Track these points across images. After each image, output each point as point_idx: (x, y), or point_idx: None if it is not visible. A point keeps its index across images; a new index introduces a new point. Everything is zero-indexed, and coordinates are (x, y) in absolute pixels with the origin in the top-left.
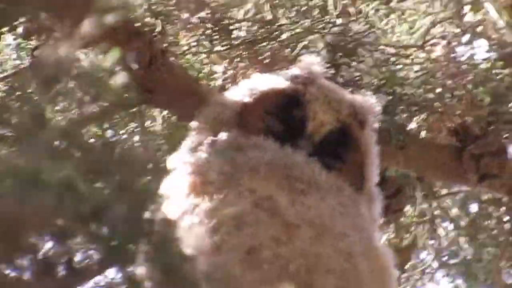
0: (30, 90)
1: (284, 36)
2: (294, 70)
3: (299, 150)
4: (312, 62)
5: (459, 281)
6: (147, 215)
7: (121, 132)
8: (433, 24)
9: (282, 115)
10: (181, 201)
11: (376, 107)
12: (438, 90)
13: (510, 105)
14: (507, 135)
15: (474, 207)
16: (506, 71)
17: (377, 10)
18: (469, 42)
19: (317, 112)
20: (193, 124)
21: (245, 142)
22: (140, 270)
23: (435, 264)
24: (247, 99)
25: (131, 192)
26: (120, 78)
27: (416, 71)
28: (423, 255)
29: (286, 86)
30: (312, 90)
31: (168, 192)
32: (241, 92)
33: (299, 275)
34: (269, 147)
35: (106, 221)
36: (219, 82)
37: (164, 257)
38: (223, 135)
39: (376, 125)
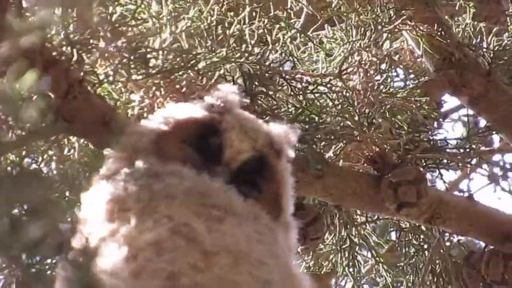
0: None
1: (200, 65)
2: (210, 99)
3: (216, 177)
4: (228, 91)
5: None
6: (65, 240)
7: (39, 160)
8: (351, 53)
9: (199, 143)
10: (98, 228)
11: (293, 137)
12: (356, 118)
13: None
14: (425, 163)
15: (393, 235)
16: (424, 99)
17: (294, 39)
18: (386, 71)
19: (233, 140)
20: (110, 152)
21: (161, 169)
22: None
23: None
24: (163, 128)
25: (49, 218)
26: (37, 105)
27: (334, 100)
28: (342, 282)
29: (202, 115)
30: (228, 118)
31: (86, 219)
32: (157, 120)
33: None
34: (186, 174)
35: (25, 247)
36: (136, 110)
37: (82, 281)
38: (139, 163)
39: (293, 154)
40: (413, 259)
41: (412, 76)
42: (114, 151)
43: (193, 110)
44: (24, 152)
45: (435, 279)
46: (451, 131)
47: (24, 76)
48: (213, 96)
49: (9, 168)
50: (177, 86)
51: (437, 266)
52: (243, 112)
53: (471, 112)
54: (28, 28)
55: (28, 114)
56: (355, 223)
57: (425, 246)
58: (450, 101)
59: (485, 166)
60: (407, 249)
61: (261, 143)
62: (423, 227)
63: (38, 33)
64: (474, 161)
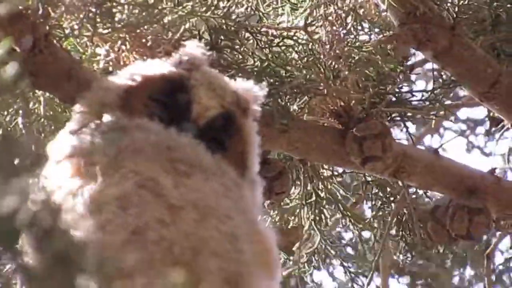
0: None
1: (166, 19)
2: (178, 56)
3: (184, 133)
4: (196, 48)
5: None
6: (31, 199)
7: (4, 114)
8: (316, 6)
9: (166, 99)
10: (64, 183)
11: (259, 95)
12: (322, 71)
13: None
14: (390, 117)
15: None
16: (389, 52)
17: None
18: (352, 25)
19: (201, 97)
20: (76, 107)
21: (128, 123)
22: (29, 259)
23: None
24: (130, 83)
25: (16, 177)
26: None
27: (300, 53)
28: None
29: (169, 71)
30: (196, 75)
31: (52, 175)
32: (124, 76)
33: (183, 257)
34: (153, 128)
35: None
36: (101, 64)
37: (52, 243)
38: (106, 117)
39: (258, 112)
40: (380, 213)
41: (377, 30)
42: (80, 106)
43: (161, 66)
44: None
45: (401, 233)
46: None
47: None
48: (181, 53)
49: None
50: (143, 40)
51: (403, 218)
52: (211, 70)
53: (436, 66)
54: None
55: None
56: (321, 177)
57: (392, 199)
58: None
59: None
60: (373, 202)
61: (228, 101)
62: (389, 180)
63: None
64: (439, 114)
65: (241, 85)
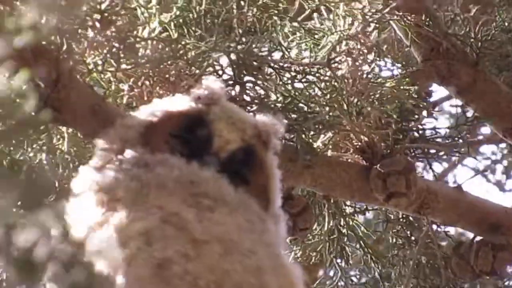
0: None
1: (189, 55)
2: (196, 92)
3: (206, 167)
4: (214, 83)
5: None
6: (55, 234)
7: (28, 150)
8: (339, 42)
9: (186, 135)
10: (88, 216)
11: (280, 128)
12: (345, 107)
13: (416, 123)
14: (414, 153)
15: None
16: (412, 88)
17: (282, 28)
18: (374, 60)
19: (222, 130)
20: (99, 143)
21: (151, 159)
22: None
23: (342, 283)
24: (150, 120)
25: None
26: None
27: (322, 89)
28: (331, 273)
29: (188, 107)
30: (215, 110)
31: (74, 209)
32: (144, 114)
33: None
34: (175, 163)
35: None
36: (125, 100)
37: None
38: (129, 153)
39: (280, 146)
40: (401, 251)
41: (399, 65)
42: (102, 142)
43: (179, 103)
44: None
45: (424, 270)
46: (440, 121)
47: (17, 75)
48: (199, 88)
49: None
50: (166, 76)
51: (425, 257)
52: (230, 104)
53: (459, 102)
54: (20, 27)
55: (21, 109)
56: (344, 213)
57: (412, 238)
58: (439, 91)
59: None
60: (394, 240)
61: (249, 134)
62: (411, 218)
63: (31, 33)
64: (462, 151)
65: (260, 118)
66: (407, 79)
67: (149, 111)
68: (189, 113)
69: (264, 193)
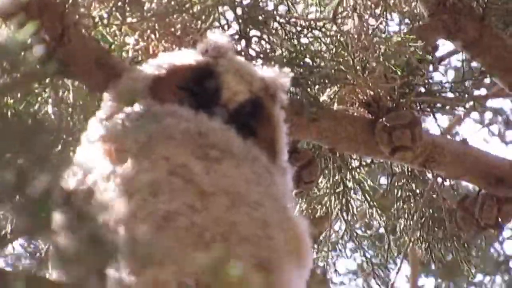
0: None
1: (195, 9)
2: (203, 45)
3: (214, 118)
4: (220, 37)
5: (371, 252)
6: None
7: (33, 103)
8: None
9: (195, 87)
10: (96, 166)
11: (286, 82)
12: (350, 62)
13: (422, 77)
14: (419, 107)
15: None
16: (418, 43)
17: None
18: (381, 15)
19: (230, 82)
20: (106, 95)
21: (160, 110)
22: (62, 240)
23: (347, 237)
24: (158, 73)
25: (48, 163)
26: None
27: (328, 44)
28: (336, 226)
29: (196, 60)
30: (223, 62)
31: (83, 161)
32: (151, 67)
33: (214, 243)
34: (184, 115)
35: (28, 193)
36: (130, 53)
37: (85, 226)
38: (137, 105)
39: (286, 99)
40: (406, 204)
41: (406, 21)
42: (110, 94)
43: (187, 56)
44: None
45: (429, 223)
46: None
47: (23, 28)
48: (206, 42)
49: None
50: (172, 29)
51: (430, 210)
52: (237, 57)
53: (465, 57)
54: None
55: (26, 61)
56: (349, 167)
57: (418, 192)
58: (445, 45)
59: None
60: (400, 193)
61: (256, 87)
62: (416, 172)
63: None
64: (468, 105)
65: (267, 72)
66: (412, 35)
67: (156, 64)
68: (197, 65)
69: (271, 146)
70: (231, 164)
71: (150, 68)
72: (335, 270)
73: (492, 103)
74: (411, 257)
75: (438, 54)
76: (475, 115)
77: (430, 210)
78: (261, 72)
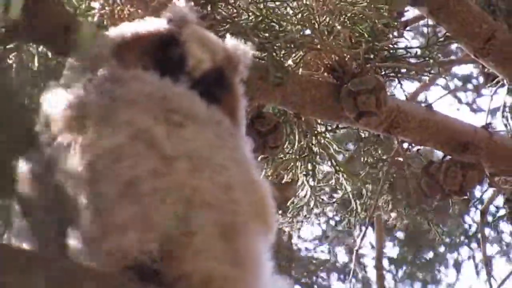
0: None
1: None
2: (167, 14)
3: (179, 84)
4: (185, 6)
5: (337, 218)
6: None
7: None
8: None
9: (159, 55)
10: (58, 134)
11: (249, 54)
12: (316, 26)
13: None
14: (384, 73)
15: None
16: (383, 8)
17: None
18: None
19: (194, 50)
20: (70, 60)
21: (123, 74)
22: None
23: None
24: (123, 39)
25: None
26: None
27: (294, 8)
28: (302, 192)
29: (160, 28)
30: (187, 31)
31: (46, 127)
32: (115, 33)
33: (177, 208)
34: (148, 79)
35: None
36: (96, 18)
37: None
38: (101, 70)
39: (246, 74)
40: (372, 169)
41: None
42: (74, 59)
43: (152, 24)
44: None
45: (394, 188)
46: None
47: None
48: (170, 11)
49: None
50: None
51: (396, 175)
52: (200, 27)
53: (430, 22)
54: None
55: None
56: (315, 132)
57: (384, 157)
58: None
59: (445, 77)
60: (366, 159)
61: (219, 57)
62: (382, 138)
63: None
64: (433, 71)
65: (230, 42)
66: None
67: (120, 31)
68: (162, 33)
69: (233, 114)
70: (194, 128)
71: (115, 33)
72: (299, 236)
73: (461, 70)
74: (377, 223)
75: (404, 19)
76: (442, 81)
77: (396, 176)
78: (224, 43)
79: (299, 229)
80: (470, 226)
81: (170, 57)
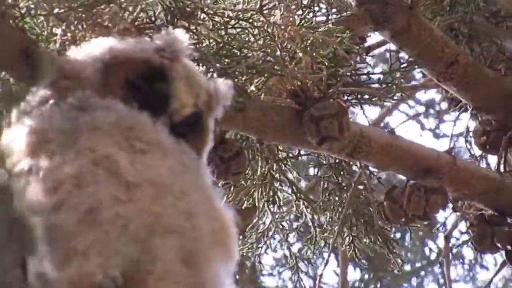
0: None
1: None
2: (162, 41)
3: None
4: (181, 37)
5: (298, 245)
6: None
7: None
8: None
9: (144, 85)
10: (18, 160)
11: (230, 95)
12: (278, 53)
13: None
14: (347, 98)
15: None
16: (345, 34)
17: None
18: (308, 5)
19: (180, 91)
20: (36, 85)
21: (96, 103)
22: None
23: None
24: (110, 58)
25: None
26: None
27: (256, 35)
28: (264, 218)
29: (153, 57)
30: (178, 68)
31: (6, 152)
32: (101, 49)
33: (139, 235)
34: (114, 108)
35: None
36: (58, 44)
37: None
38: (72, 95)
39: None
40: (332, 196)
41: (334, 10)
42: (41, 84)
43: (142, 48)
44: None
45: (351, 218)
46: (374, 67)
47: None
48: (165, 40)
49: None
50: (99, 20)
51: (357, 203)
52: (190, 63)
53: (393, 47)
54: None
55: None
56: (277, 158)
57: (344, 184)
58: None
59: (407, 102)
60: (326, 185)
61: (202, 100)
62: (343, 164)
63: None
64: (396, 97)
65: (213, 83)
66: (340, 25)
67: (108, 47)
68: (152, 63)
69: (198, 152)
70: (157, 155)
71: (100, 50)
72: (260, 262)
73: (424, 96)
74: (341, 250)
75: (367, 45)
76: (405, 107)
77: (355, 205)
78: (208, 83)
79: (259, 255)
80: (431, 251)
81: (155, 92)
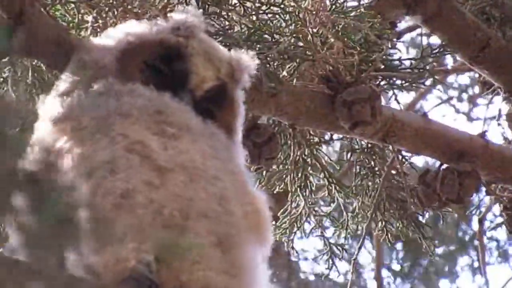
0: None
1: None
2: (175, 20)
3: (178, 101)
4: (193, 15)
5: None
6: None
7: None
8: None
9: (162, 66)
10: (54, 146)
11: (252, 67)
12: (309, 38)
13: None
14: (378, 84)
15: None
16: (376, 19)
17: None
18: None
19: (199, 67)
20: (68, 70)
21: (120, 88)
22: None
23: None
24: (126, 45)
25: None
26: None
27: (287, 20)
28: (294, 204)
29: (167, 37)
30: (194, 44)
31: (41, 141)
32: (118, 35)
33: (172, 220)
34: (143, 92)
35: None
36: (89, 31)
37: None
38: (98, 82)
39: (248, 82)
40: (364, 180)
41: None
42: (70, 71)
43: (157, 31)
44: None
45: (385, 203)
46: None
47: None
48: (179, 19)
49: None
50: (129, 7)
51: (389, 188)
52: (207, 38)
53: (425, 31)
54: None
55: None
56: (309, 143)
57: (376, 169)
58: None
59: (439, 87)
60: (358, 170)
61: (223, 73)
62: (376, 149)
63: None
64: (428, 82)
65: (235, 55)
66: (371, 10)
67: (124, 33)
68: (167, 43)
69: (230, 128)
70: (188, 140)
71: (116, 36)
72: (292, 247)
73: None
74: (375, 234)
75: (398, 30)
76: (438, 91)
77: (389, 189)
78: (229, 55)
79: (292, 240)
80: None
81: (174, 71)
